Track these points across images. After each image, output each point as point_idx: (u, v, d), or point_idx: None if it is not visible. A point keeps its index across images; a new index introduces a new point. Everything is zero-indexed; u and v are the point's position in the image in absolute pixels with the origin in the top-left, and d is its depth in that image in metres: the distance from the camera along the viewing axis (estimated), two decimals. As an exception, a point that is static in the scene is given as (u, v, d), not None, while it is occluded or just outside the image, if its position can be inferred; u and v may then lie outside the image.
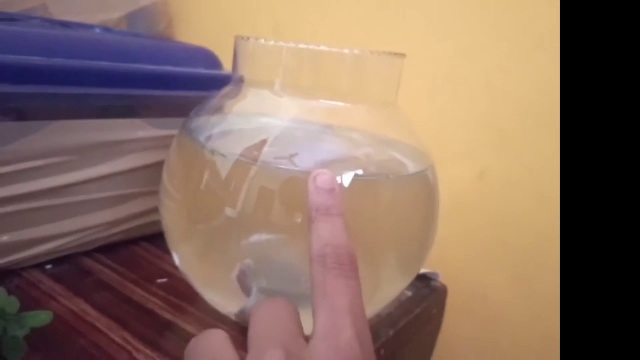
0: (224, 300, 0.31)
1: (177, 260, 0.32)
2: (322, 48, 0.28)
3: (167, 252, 0.37)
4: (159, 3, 0.62)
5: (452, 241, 0.48)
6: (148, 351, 0.29)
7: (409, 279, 0.32)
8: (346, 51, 0.28)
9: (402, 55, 0.30)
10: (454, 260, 0.48)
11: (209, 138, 0.30)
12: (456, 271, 0.47)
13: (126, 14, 0.57)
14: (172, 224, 0.31)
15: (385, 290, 0.31)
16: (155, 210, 0.40)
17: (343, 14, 0.54)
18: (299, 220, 0.27)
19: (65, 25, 0.45)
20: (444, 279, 0.43)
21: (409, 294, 0.39)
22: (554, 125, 0.43)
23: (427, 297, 0.39)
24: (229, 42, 0.33)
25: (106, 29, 0.48)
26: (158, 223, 0.33)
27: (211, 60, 0.44)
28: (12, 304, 0.26)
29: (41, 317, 0.26)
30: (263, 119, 0.33)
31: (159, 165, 0.33)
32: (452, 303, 0.44)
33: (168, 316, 0.32)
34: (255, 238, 0.28)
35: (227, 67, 0.44)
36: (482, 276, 0.49)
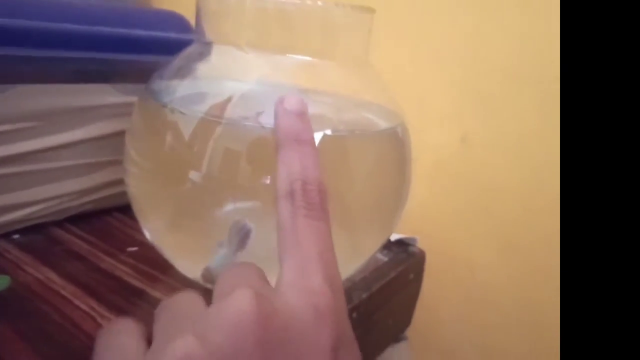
0: (194, 265, 0.31)
1: (145, 229, 0.31)
2: (287, 0, 0.27)
3: (140, 221, 0.36)
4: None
5: (433, 207, 0.47)
6: (113, 317, 0.28)
7: (382, 239, 0.32)
8: (311, 3, 0.27)
9: (371, 10, 0.29)
10: (435, 226, 0.48)
11: (171, 99, 0.29)
12: (437, 237, 0.47)
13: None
14: (138, 191, 0.30)
15: (357, 250, 0.31)
16: (126, 179, 0.39)
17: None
18: (267, 182, 0.26)
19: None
20: (424, 245, 0.42)
21: (385, 259, 0.39)
22: (537, 87, 0.43)
23: (403, 261, 0.39)
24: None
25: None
26: (130, 192, 0.32)
27: (182, 24, 0.43)
28: (-31, 269, 0.25)
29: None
30: (228, 83, 0.32)
31: (127, 133, 0.32)
32: (433, 269, 0.43)
33: (136, 283, 0.32)
34: (223, 201, 0.28)
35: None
36: (464, 242, 0.48)
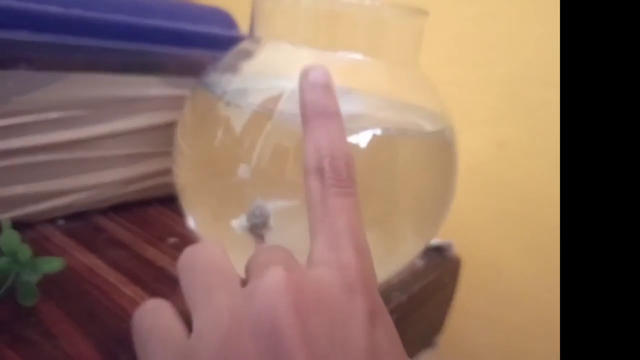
0: (235, 257, 0.31)
1: (190, 220, 0.31)
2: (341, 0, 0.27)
3: (179, 214, 0.37)
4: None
5: (468, 212, 0.47)
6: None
7: (423, 243, 0.32)
8: (364, 2, 0.28)
9: (425, 12, 0.30)
10: (469, 231, 0.47)
11: (223, 93, 0.30)
12: (471, 242, 0.47)
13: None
14: (186, 181, 0.31)
15: (398, 253, 0.31)
16: (169, 171, 0.39)
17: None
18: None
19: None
20: (457, 249, 0.42)
21: (421, 262, 0.39)
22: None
23: (439, 266, 0.39)
24: (244, 3, 0.32)
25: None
26: (170, 185, 0.33)
27: (227, 20, 0.43)
28: (25, 250, 0.26)
29: (54, 264, 0.26)
30: (280, 79, 0.32)
31: (173, 125, 0.32)
32: (465, 274, 0.43)
33: (179, 273, 0.32)
34: (270, 194, 0.28)
35: (243, 29, 0.43)
36: (497, 248, 0.48)
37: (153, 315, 0.20)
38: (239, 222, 0.26)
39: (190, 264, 0.20)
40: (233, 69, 0.31)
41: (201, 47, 0.40)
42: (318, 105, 0.22)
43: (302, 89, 0.23)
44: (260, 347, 0.16)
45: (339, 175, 0.20)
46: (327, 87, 0.23)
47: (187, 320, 0.19)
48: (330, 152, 0.21)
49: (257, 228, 0.26)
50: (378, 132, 0.27)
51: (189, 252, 0.20)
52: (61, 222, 0.36)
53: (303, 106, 0.22)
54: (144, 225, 0.37)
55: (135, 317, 0.20)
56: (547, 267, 0.46)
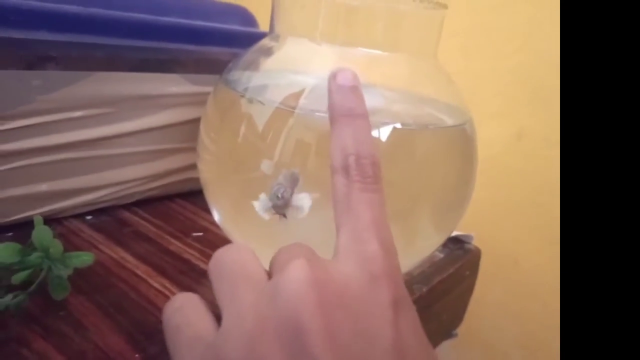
0: (259, 249, 0.32)
1: (215, 214, 0.32)
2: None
3: (202, 208, 0.38)
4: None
5: (485, 203, 0.47)
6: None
7: (444, 236, 0.32)
8: (386, -1, 0.28)
9: (444, 6, 0.30)
10: (486, 223, 0.47)
11: (246, 89, 0.30)
12: (488, 233, 0.47)
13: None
14: (211, 176, 0.32)
15: (420, 245, 0.31)
16: (190, 167, 0.40)
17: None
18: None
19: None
20: (476, 241, 0.42)
21: (442, 255, 0.39)
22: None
23: (459, 258, 0.39)
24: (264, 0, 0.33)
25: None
26: (193, 180, 0.33)
27: (247, 17, 0.44)
28: (56, 245, 0.27)
29: (84, 258, 0.27)
30: (301, 75, 0.32)
31: (193, 122, 0.33)
32: (482, 265, 0.43)
33: (204, 266, 0.33)
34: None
35: (262, 26, 0.44)
36: (515, 239, 0.48)
37: (182, 313, 0.20)
38: (261, 204, 0.26)
39: (219, 267, 0.20)
40: (254, 65, 0.32)
41: (221, 44, 0.40)
42: (345, 106, 0.23)
43: (330, 90, 0.23)
44: (284, 348, 0.16)
45: (364, 172, 0.21)
46: (354, 89, 0.23)
47: (217, 313, 0.19)
48: (356, 152, 0.21)
49: (280, 208, 0.26)
50: (399, 126, 0.27)
51: (218, 254, 0.21)
52: (88, 217, 0.37)
53: (331, 107, 0.23)
54: (168, 219, 0.38)
55: (165, 312, 0.21)
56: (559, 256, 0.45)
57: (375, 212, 0.20)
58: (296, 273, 0.17)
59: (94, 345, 0.25)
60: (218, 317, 0.19)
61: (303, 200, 0.26)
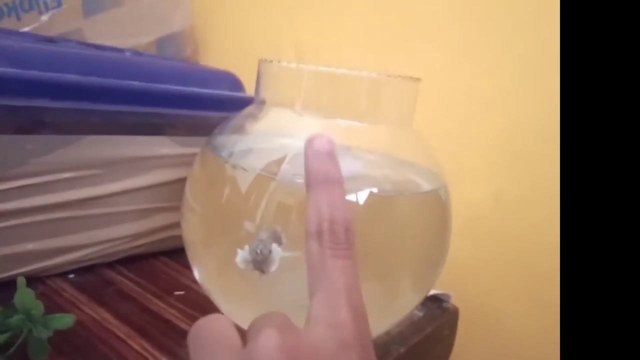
0: (240, 310, 0.32)
1: (196, 273, 0.33)
2: (341, 70, 0.29)
3: (185, 266, 0.38)
4: (186, 29, 0.64)
5: (466, 263, 0.48)
6: (165, 359, 0.29)
7: (421, 296, 0.33)
8: (364, 74, 0.30)
9: (418, 80, 0.32)
10: (468, 282, 0.48)
11: (230, 154, 0.32)
12: (470, 293, 0.48)
13: (155, 39, 0.60)
14: (194, 236, 0.32)
15: (397, 306, 0.32)
16: (175, 226, 0.41)
17: (364, 37, 0.56)
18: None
19: (98, 47, 0.47)
20: (456, 300, 0.43)
21: (420, 314, 0.39)
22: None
23: (438, 317, 0.40)
24: (251, 66, 0.34)
25: (135, 53, 0.51)
26: (177, 238, 0.34)
27: (234, 83, 0.46)
28: (38, 306, 0.27)
29: (65, 320, 0.27)
30: (283, 140, 0.34)
31: (180, 182, 0.34)
32: (464, 325, 0.44)
33: (185, 326, 0.33)
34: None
35: (249, 90, 0.46)
36: (496, 298, 0.49)
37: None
38: (242, 256, 0.27)
39: (198, 336, 0.21)
40: (239, 131, 0.33)
41: (209, 109, 0.42)
42: (321, 172, 0.23)
43: (306, 156, 0.24)
44: None
45: (337, 238, 0.21)
46: (330, 155, 0.24)
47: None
48: (330, 217, 0.22)
49: (259, 263, 0.27)
50: (375, 190, 0.29)
51: (198, 325, 0.21)
52: (71, 275, 0.37)
53: (307, 172, 0.24)
54: (151, 278, 0.39)
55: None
56: (546, 316, 0.46)
57: (348, 278, 0.21)
58: (267, 341, 0.18)
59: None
60: None
61: (276, 254, 0.27)
